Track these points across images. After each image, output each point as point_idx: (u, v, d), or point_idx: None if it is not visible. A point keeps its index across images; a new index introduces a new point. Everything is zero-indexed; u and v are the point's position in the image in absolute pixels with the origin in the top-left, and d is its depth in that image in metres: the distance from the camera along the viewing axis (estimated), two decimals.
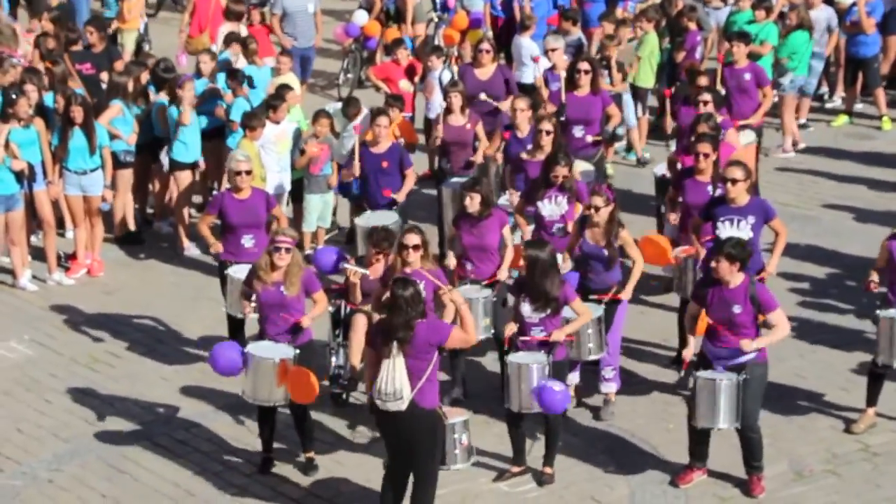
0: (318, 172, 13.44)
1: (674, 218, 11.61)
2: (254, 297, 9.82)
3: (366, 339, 9.24)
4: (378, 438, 10.24)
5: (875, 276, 10.31)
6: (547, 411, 9.49)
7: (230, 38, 15.60)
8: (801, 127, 16.62)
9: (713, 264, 9.45)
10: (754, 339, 9.40)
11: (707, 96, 12.74)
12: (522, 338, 9.67)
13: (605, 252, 10.33)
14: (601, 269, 10.38)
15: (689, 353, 9.67)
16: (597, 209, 10.33)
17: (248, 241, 11.21)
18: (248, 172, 11.30)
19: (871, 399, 10.37)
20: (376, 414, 8.78)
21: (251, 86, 14.48)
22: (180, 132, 13.67)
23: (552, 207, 11.19)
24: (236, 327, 11.15)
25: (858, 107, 17.42)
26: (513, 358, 9.64)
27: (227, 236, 11.32)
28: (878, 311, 10.14)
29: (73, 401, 11.10)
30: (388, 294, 8.74)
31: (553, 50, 14.67)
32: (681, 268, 11.09)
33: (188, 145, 13.76)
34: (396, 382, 8.51)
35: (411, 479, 8.95)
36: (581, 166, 12.43)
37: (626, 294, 10.47)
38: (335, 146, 13.55)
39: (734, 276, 9.35)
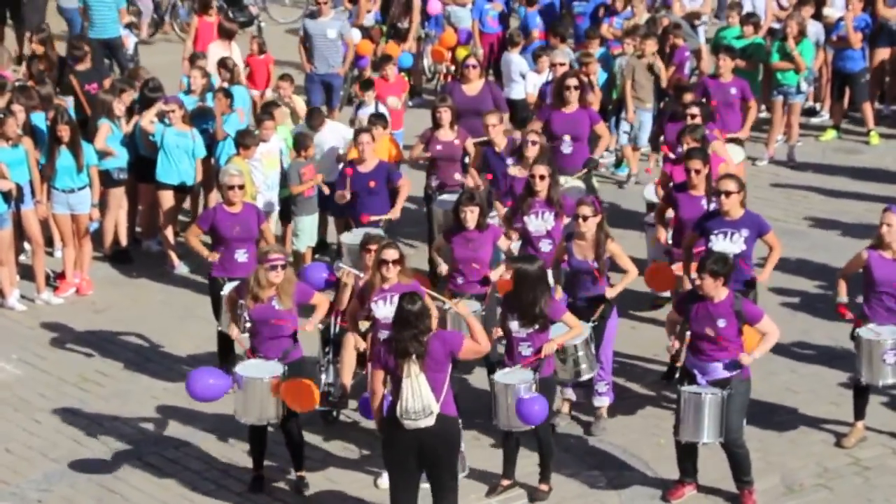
0: (311, 194, 13.45)
1: (663, 236, 11.60)
2: (245, 316, 9.82)
3: (370, 357, 9.18)
4: (368, 456, 10.26)
5: (843, 296, 10.26)
6: (528, 424, 9.44)
7: (193, 59, 15.47)
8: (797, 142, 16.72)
9: (697, 281, 9.48)
10: (742, 352, 9.42)
11: (695, 109, 12.75)
12: (508, 360, 9.64)
13: (595, 265, 10.33)
14: (589, 284, 10.36)
15: (675, 346, 9.62)
16: (584, 218, 10.31)
17: (241, 255, 11.23)
18: (241, 187, 11.37)
19: (859, 413, 10.38)
20: (394, 432, 8.57)
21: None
22: (166, 152, 13.68)
23: (538, 223, 11.19)
24: (227, 346, 11.12)
25: (846, 122, 17.48)
26: (498, 378, 9.58)
27: (220, 250, 11.32)
28: (856, 330, 10.14)
29: (63, 420, 11.06)
30: (396, 310, 8.65)
31: (561, 64, 14.70)
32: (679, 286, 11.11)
33: (173, 166, 13.74)
34: (424, 399, 8.42)
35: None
36: (571, 184, 12.44)
37: (612, 292, 10.39)
38: (315, 162, 13.59)
39: (718, 291, 9.37)
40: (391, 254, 9.84)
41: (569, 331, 9.76)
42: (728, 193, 10.39)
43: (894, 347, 9.93)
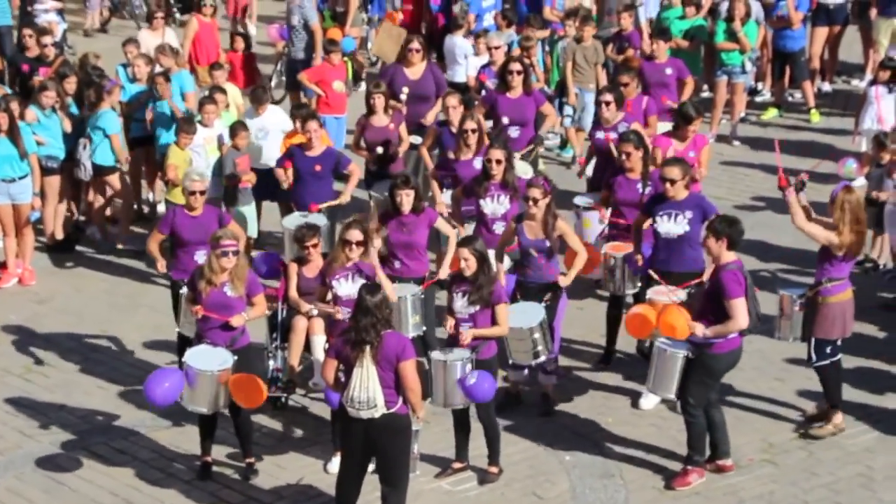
0: (248, 185, 13.35)
1: (604, 215, 11.66)
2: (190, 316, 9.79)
3: (328, 346, 9.17)
4: (317, 441, 10.26)
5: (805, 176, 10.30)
6: (477, 401, 9.46)
7: (127, 44, 15.34)
8: (740, 120, 16.83)
9: (704, 242, 9.60)
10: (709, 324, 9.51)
11: (626, 78, 13.19)
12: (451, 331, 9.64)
13: (547, 243, 10.36)
14: (542, 262, 10.38)
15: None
16: (535, 201, 10.35)
17: (201, 256, 10.89)
18: (203, 192, 11.09)
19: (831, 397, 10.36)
20: (345, 419, 8.63)
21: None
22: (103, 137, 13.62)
23: (494, 206, 11.24)
24: (185, 346, 10.95)
25: (786, 99, 17.63)
26: (435, 355, 9.62)
27: (179, 253, 11.03)
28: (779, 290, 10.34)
29: (8, 412, 10.96)
30: (356, 300, 8.60)
31: (496, 48, 14.70)
32: (609, 266, 11.16)
33: (113, 150, 13.65)
34: (370, 391, 8.41)
35: (365, 484, 8.86)
36: (521, 167, 12.46)
37: (566, 280, 10.47)
38: (254, 151, 13.50)
39: (723, 253, 9.41)
40: (355, 235, 9.90)
41: (493, 328, 9.63)
42: (673, 182, 10.46)
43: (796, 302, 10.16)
